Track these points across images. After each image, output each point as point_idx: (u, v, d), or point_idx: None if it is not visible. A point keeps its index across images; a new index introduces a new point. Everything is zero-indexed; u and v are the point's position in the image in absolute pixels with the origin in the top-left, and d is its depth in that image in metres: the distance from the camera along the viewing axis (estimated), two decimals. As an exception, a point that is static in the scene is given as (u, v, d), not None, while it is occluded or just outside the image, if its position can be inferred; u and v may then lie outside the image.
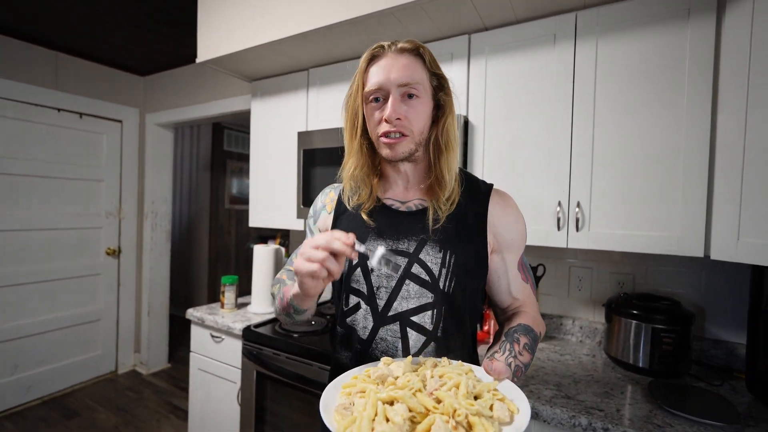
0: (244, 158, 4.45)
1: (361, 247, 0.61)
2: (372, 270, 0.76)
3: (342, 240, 0.59)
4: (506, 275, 0.80)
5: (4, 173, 2.40)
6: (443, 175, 0.75)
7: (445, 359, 0.65)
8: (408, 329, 0.74)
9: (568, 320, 1.55)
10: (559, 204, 1.24)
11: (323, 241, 0.59)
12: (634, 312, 1.23)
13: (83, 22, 2.20)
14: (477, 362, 0.81)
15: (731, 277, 1.29)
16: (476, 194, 0.80)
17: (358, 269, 0.77)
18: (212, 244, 4.23)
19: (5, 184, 2.41)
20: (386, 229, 0.77)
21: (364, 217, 0.78)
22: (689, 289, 1.36)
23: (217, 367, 1.73)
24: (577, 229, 1.22)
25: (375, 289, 0.75)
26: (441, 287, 0.73)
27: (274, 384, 1.48)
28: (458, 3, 1.24)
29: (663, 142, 1.11)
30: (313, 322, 1.62)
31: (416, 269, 0.74)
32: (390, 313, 0.74)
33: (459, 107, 0.97)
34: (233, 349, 1.66)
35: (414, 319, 0.74)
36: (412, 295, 0.74)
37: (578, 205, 1.22)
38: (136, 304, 3.10)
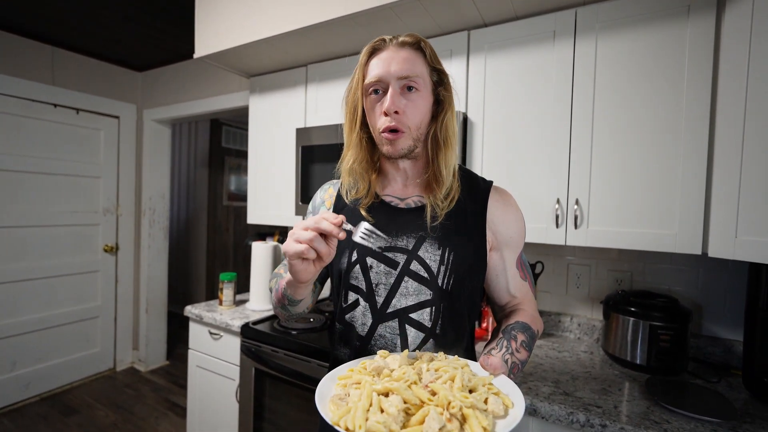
0: (243, 155, 4.43)
1: (347, 226, 0.62)
2: (371, 267, 0.76)
3: (330, 220, 0.59)
4: (505, 273, 0.80)
5: (0, 169, 2.39)
6: (441, 171, 0.74)
7: (441, 354, 0.65)
8: (407, 326, 0.74)
9: (566, 317, 1.55)
10: (558, 201, 1.24)
11: (312, 222, 0.60)
12: (632, 309, 1.24)
13: (80, 17, 2.19)
14: (475, 359, 0.81)
15: (729, 274, 1.30)
16: (475, 191, 0.79)
17: (357, 266, 0.77)
18: (210, 241, 4.23)
19: (1, 181, 2.39)
20: (385, 225, 0.77)
21: (363, 213, 0.78)
22: (687, 287, 1.36)
23: (215, 364, 1.73)
24: (576, 227, 1.22)
25: (374, 285, 0.75)
26: (440, 284, 0.73)
27: (273, 381, 1.48)
28: (458, -1, 1.23)
29: (662, 138, 1.11)
30: (311, 319, 1.62)
31: (415, 266, 0.74)
32: (389, 310, 0.74)
33: (459, 104, 0.97)
34: (232, 346, 1.66)
35: (413, 316, 0.74)
36: (411, 292, 0.74)
37: (577, 202, 1.22)
38: (134, 301, 3.10)
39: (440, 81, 0.75)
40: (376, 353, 0.73)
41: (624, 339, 1.24)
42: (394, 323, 0.74)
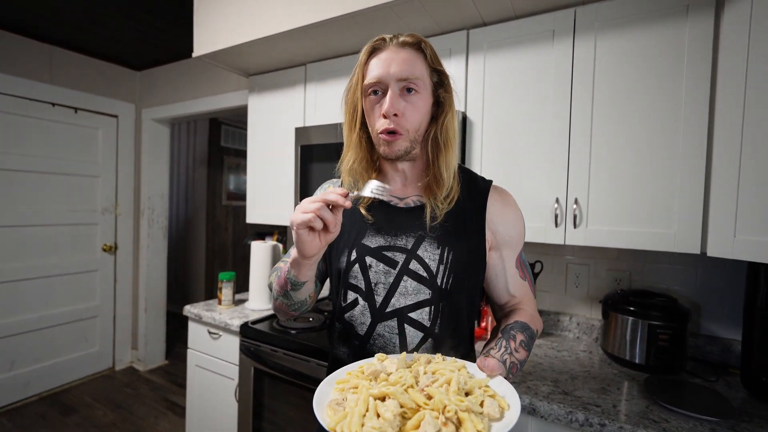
0: (242, 154, 4.43)
1: (354, 193, 0.64)
2: (370, 266, 0.76)
3: (337, 192, 0.60)
4: (504, 272, 0.80)
5: (-1, 169, 2.39)
6: (441, 173, 0.74)
7: (439, 355, 0.65)
8: (405, 325, 0.73)
9: (565, 317, 1.56)
10: (557, 201, 1.24)
11: (318, 195, 0.62)
12: (631, 308, 1.24)
13: (78, 15, 2.18)
14: (474, 358, 0.81)
15: (727, 273, 1.30)
16: (475, 191, 0.79)
17: (356, 265, 0.77)
18: (209, 241, 4.22)
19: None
20: (384, 224, 0.77)
21: (363, 212, 0.78)
22: (685, 286, 1.36)
23: (214, 363, 1.73)
24: (575, 226, 1.22)
25: (373, 285, 0.75)
26: (439, 284, 0.73)
27: (272, 380, 1.48)
28: (457, -2, 1.23)
29: (661, 138, 1.11)
30: (310, 318, 1.62)
31: (414, 266, 0.74)
32: (388, 310, 0.74)
33: (458, 103, 0.97)
34: (231, 345, 1.66)
35: (412, 315, 0.73)
36: (410, 292, 0.74)
37: (576, 201, 1.22)
38: (133, 301, 3.10)
39: (440, 82, 0.75)
40: (375, 353, 0.73)
41: (623, 338, 1.24)
42: (393, 323, 0.74)
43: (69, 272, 2.72)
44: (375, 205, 0.79)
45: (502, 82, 1.34)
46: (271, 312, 1.77)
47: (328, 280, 0.88)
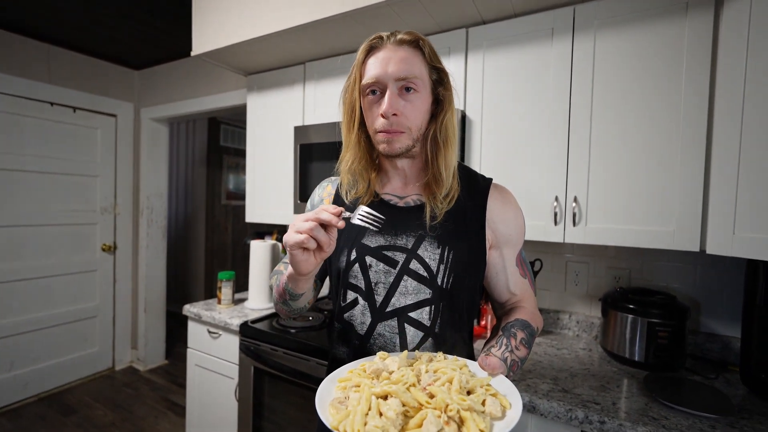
0: (241, 153, 4.42)
1: (346, 214, 0.63)
2: (370, 266, 0.75)
3: (329, 210, 0.60)
4: (504, 271, 0.80)
5: (-3, 169, 2.38)
6: (440, 172, 0.73)
7: (440, 354, 0.65)
8: (406, 325, 0.73)
9: (565, 315, 1.56)
10: (556, 199, 1.24)
11: (312, 213, 0.61)
12: (630, 306, 1.24)
13: (76, 14, 2.17)
14: (474, 357, 0.81)
15: (726, 271, 1.30)
16: (475, 189, 0.79)
17: (356, 265, 0.76)
18: (209, 240, 4.22)
19: (-2, 180, 2.39)
20: (384, 224, 0.76)
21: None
22: (685, 284, 1.37)
23: (214, 363, 1.73)
24: (574, 224, 1.22)
25: (373, 284, 0.75)
26: (439, 283, 0.73)
27: (272, 379, 1.48)
28: (456, -4, 1.23)
29: (660, 136, 1.11)
30: (310, 318, 1.62)
31: (414, 265, 0.74)
32: (388, 309, 0.74)
33: (457, 102, 0.96)
34: (230, 344, 1.66)
35: (412, 315, 0.73)
36: (410, 291, 0.73)
37: (575, 199, 1.22)
38: (132, 301, 3.09)
39: (440, 80, 0.74)
40: (375, 352, 0.74)
41: (622, 336, 1.24)
42: (393, 322, 0.74)
43: (68, 272, 2.72)
44: (375, 204, 0.79)
45: (501, 81, 1.34)
46: (271, 311, 1.77)
47: (328, 277, 0.88)
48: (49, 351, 2.65)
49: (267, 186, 1.93)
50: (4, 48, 2.37)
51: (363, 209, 0.64)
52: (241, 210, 4.43)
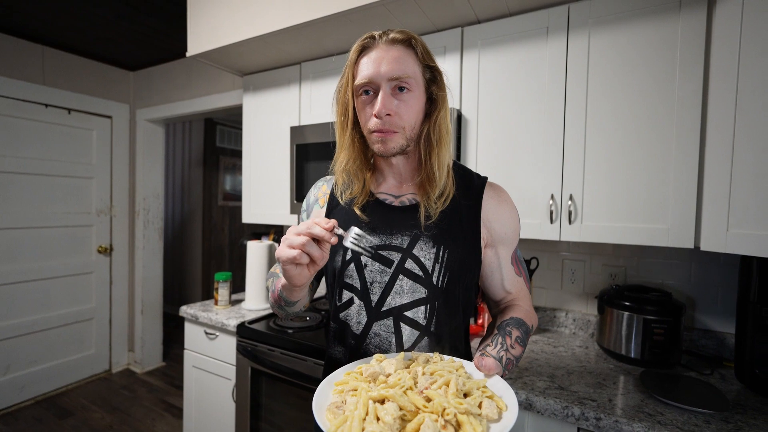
0: (237, 154, 4.41)
1: (339, 230, 0.62)
2: (365, 266, 0.75)
3: (322, 225, 0.59)
4: (500, 269, 0.80)
5: (-9, 171, 2.36)
6: (434, 171, 0.73)
7: (437, 354, 0.65)
8: (401, 324, 0.73)
9: (561, 312, 1.56)
10: (552, 197, 1.25)
11: (304, 227, 0.60)
12: (626, 303, 1.25)
13: (71, 15, 2.16)
14: (470, 356, 0.81)
15: (721, 267, 1.31)
16: (470, 188, 0.79)
17: (352, 264, 0.76)
18: (206, 241, 4.21)
19: (-8, 182, 2.37)
20: (379, 224, 0.77)
21: (357, 212, 0.77)
22: (680, 280, 1.38)
23: (211, 364, 1.72)
24: (570, 222, 1.23)
25: (368, 284, 0.75)
26: (434, 282, 0.73)
27: (269, 380, 1.48)
28: (450, -5, 1.23)
29: (654, 134, 1.12)
30: (307, 318, 1.62)
31: (410, 264, 0.74)
32: (383, 308, 0.74)
33: (452, 101, 0.97)
34: (228, 345, 1.66)
35: (407, 314, 0.73)
36: (406, 291, 0.74)
37: (571, 198, 1.22)
38: (129, 303, 3.08)
39: (433, 78, 0.73)
40: (371, 352, 0.74)
41: (618, 333, 1.25)
42: (389, 321, 0.74)
43: (64, 274, 2.70)
44: (370, 204, 0.79)
45: (496, 80, 1.34)
46: (268, 312, 1.77)
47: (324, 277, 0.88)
48: (46, 354, 2.63)
49: (263, 186, 1.93)
50: (-2, 49, 2.36)
51: (355, 231, 0.63)
52: (238, 211, 4.42)
